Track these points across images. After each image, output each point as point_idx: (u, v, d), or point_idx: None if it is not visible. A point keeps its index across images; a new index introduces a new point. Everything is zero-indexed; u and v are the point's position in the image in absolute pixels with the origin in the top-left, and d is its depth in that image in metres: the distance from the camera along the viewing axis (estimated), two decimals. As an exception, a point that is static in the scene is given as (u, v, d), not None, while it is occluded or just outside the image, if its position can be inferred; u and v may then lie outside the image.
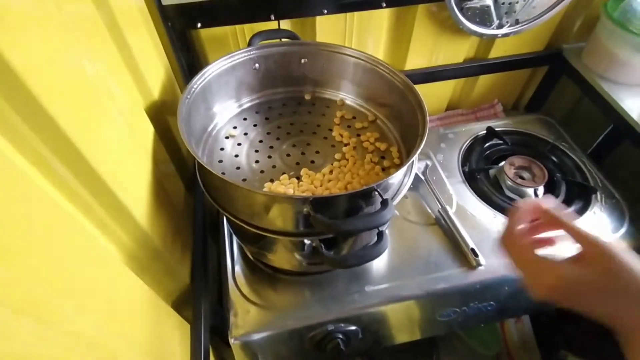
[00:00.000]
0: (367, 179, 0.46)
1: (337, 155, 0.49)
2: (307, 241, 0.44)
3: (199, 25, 0.57)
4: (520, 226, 0.34)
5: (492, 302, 0.56)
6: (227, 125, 0.53)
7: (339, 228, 0.35)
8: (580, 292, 0.30)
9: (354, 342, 0.53)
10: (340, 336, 0.51)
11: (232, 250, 0.57)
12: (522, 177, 0.65)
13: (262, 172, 0.47)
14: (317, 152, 0.50)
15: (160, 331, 0.37)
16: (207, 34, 0.62)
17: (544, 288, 0.31)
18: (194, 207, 0.55)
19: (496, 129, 0.73)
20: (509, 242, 0.34)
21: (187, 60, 0.61)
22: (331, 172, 0.47)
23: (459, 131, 0.74)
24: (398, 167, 0.44)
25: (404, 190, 0.43)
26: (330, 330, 0.51)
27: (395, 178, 0.41)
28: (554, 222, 0.33)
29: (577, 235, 0.31)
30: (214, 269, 0.58)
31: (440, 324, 0.57)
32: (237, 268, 0.55)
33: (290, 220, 0.39)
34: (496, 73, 0.78)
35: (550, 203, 0.34)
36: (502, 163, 0.67)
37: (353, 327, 0.52)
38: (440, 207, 0.61)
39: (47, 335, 0.23)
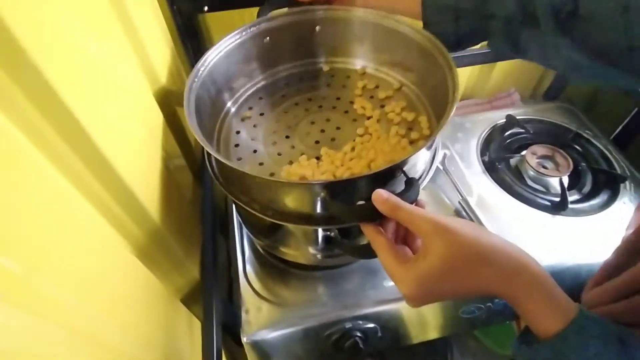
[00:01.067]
0: (392, 155, 0.42)
1: (360, 130, 0.44)
2: (323, 232, 0.42)
3: (206, 8, 0.54)
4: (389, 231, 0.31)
5: (518, 298, 0.53)
6: (242, 106, 0.49)
7: (357, 214, 0.31)
8: (443, 289, 0.27)
9: (373, 341, 0.50)
10: (359, 334, 0.48)
11: (243, 244, 0.55)
12: (544, 167, 0.62)
13: (279, 154, 0.43)
14: (338, 128, 0.46)
15: (170, 328, 0.35)
16: (214, 19, 0.59)
17: (407, 299, 0.28)
18: (203, 199, 0.52)
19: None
20: (378, 252, 0.30)
21: (194, 46, 0.58)
22: (353, 149, 0.42)
23: (476, 120, 0.71)
24: (428, 138, 0.39)
25: (432, 171, 0.39)
26: (348, 328, 0.48)
27: (421, 155, 0.37)
28: (394, 211, 0.29)
29: (412, 224, 0.28)
30: (224, 263, 0.56)
31: (463, 321, 0.54)
32: (248, 263, 0.53)
33: (308, 206, 0.36)
34: (514, 60, 0.75)
35: (384, 193, 0.30)
36: (524, 152, 0.64)
37: (371, 325, 0.49)
38: (460, 198, 0.58)
39: (46, 330, 0.20)
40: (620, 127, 0.72)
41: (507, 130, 0.69)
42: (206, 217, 0.49)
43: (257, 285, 0.51)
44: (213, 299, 0.43)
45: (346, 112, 0.48)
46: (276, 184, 0.36)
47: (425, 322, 0.54)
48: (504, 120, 0.70)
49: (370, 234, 0.30)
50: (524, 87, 0.84)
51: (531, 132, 0.69)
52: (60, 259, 0.22)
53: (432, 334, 0.56)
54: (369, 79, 0.51)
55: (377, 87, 0.50)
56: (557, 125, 0.70)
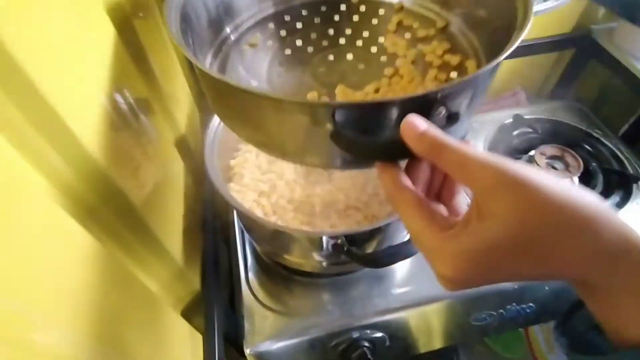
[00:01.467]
0: None
1: (388, 71, 0.35)
2: (327, 239, 0.40)
3: None
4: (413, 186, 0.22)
5: (531, 304, 0.51)
6: (248, 32, 0.40)
7: (372, 143, 0.23)
8: (505, 269, 0.18)
9: (381, 351, 0.48)
10: (366, 344, 0.47)
11: (245, 250, 0.53)
12: (554, 167, 0.60)
13: (285, 88, 0.36)
14: (361, 67, 0.37)
15: (169, 340, 0.33)
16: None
17: (444, 281, 0.19)
18: (204, 206, 0.50)
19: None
20: (401, 212, 0.21)
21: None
22: (377, 90, 0.34)
23: (483, 120, 0.70)
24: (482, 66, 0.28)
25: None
26: (355, 338, 0.46)
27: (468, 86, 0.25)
28: (436, 150, 0.20)
29: (463, 171, 0.19)
30: (225, 272, 0.54)
31: (474, 329, 0.52)
32: (250, 270, 0.51)
33: (307, 140, 0.26)
34: (519, 58, 0.73)
35: (421, 122, 0.20)
36: (533, 152, 0.62)
37: (379, 334, 0.47)
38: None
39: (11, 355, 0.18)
40: (627, 124, 0.70)
41: (515, 130, 0.68)
42: (207, 225, 0.47)
43: (260, 293, 0.49)
44: (215, 308, 0.41)
45: (374, 50, 0.38)
46: (268, 102, 0.25)
47: (434, 330, 0.52)
48: (511, 119, 0.69)
49: (389, 186, 0.21)
50: (530, 86, 0.82)
51: (539, 131, 0.67)
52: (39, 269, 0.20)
53: (441, 342, 0.54)
54: (407, 14, 0.40)
55: (415, 24, 0.39)
56: (565, 125, 0.69)
